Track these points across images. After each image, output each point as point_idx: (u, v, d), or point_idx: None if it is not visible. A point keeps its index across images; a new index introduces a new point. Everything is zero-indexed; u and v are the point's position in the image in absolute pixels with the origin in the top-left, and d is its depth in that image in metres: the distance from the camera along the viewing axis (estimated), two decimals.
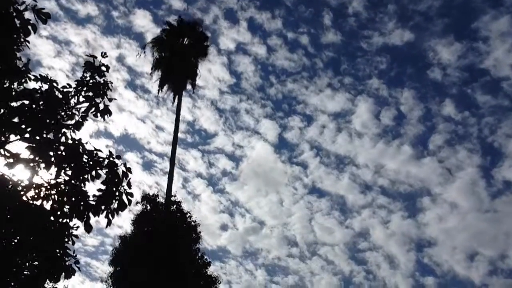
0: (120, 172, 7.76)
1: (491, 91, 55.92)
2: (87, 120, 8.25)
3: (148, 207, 23.38)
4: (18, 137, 7.45)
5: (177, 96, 28.68)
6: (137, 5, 58.88)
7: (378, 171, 56.69)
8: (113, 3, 58.22)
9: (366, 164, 57.44)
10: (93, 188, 7.77)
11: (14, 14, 7.14)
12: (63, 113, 7.93)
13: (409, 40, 58.59)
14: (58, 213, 7.58)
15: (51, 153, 7.50)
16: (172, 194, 24.51)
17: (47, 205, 7.64)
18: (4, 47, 7.33)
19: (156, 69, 29.61)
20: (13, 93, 7.62)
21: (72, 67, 52.61)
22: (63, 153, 7.63)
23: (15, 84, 7.74)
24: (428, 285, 49.86)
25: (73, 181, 7.69)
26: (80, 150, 7.70)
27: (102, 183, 7.74)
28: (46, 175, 7.63)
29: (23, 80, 7.81)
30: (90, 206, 7.58)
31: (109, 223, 7.57)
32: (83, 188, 7.71)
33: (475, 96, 56.33)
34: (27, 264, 7.76)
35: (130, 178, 7.80)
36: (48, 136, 7.62)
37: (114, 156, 7.81)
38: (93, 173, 7.75)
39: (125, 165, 7.79)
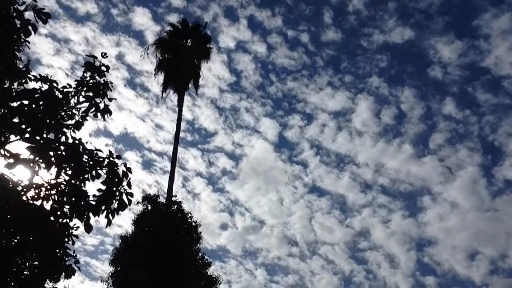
0: (120, 172, 7.76)
1: (492, 89, 55.89)
2: (87, 120, 8.25)
3: (149, 207, 23.39)
4: (18, 137, 7.46)
5: (179, 97, 28.71)
6: (136, 3, 58.90)
7: (378, 170, 56.68)
8: (112, 1, 58.09)
9: (366, 163, 57.42)
10: (93, 188, 7.78)
11: (15, 14, 7.15)
12: (63, 113, 7.93)
13: (409, 38, 58.53)
14: (58, 213, 7.58)
15: (51, 153, 7.49)
16: (173, 194, 24.53)
17: (47, 205, 7.63)
18: (4, 47, 7.34)
19: (159, 71, 29.67)
20: (13, 93, 7.62)
21: (72, 65, 52.60)
22: (63, 153, 7.62)
23: (15, 84, 7.75)
24: (428, 284, 49.83)
25: (73, 181, 7.69)
26: (80, 149, 7.70)
27: (102, 183, 7.74)
28: (46, 175, 7.64)
29: (23, 80, 7.81)
30: (90, 206, 7.58)
31: (109, 223, 7.57)
32: (83, 188, 7.71)
33: (475, 94, 56.20)
34: (27, 264, 7.76)
35: (130, 178, 7.80)
36: (48, 136, 7.62)
37: (114, 156, 7.81)
38: (93, 173, 7.75)
39: (125, 165, 7.79)
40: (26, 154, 7.41)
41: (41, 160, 7.43)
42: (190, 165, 58.59)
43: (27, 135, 7.42)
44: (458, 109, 57.16)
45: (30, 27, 7.38)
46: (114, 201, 7.66)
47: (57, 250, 7.76)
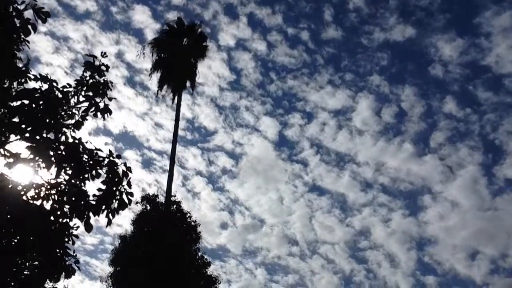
0: (120, 171, 7.76)
1: (493, 88, 55.62)
2: (87, 119, 8.24)
3: (148, 207, 23.39)
4: (18, 137, 7.45)
5: (176, 96, 28.73)
6: (136, 1, 58.77)
7: (378, 169, 56.64)
8: None
9: (366, 161, 57.39)
10: (93, 187, 7.77)
11: (14, 13, 7.14)
12: (63, 113, 7.92)
13: (410, 36, 58.40)
14: (58, 213, 7.58)
15: (51, 153, 7.49)
16: (172, 194, 24.52)
17: (47, 205, 7.63)
18: (4, 47, 7.33)
19: (155, 70, 29.67)
20: (13, 93, 7.62)
21: (71, 63, 52.37)
22: (63, 153, 7.62)
23: (15, 84, 7.74)
24: (429, 284, 49.78)
25: (73, 181, 7.69)
26: (80, 149, 7.70)
27: (102, 182, 7.74)
28: (46, 175, 7.64)
29: (23, 80, 7.80)
30: (90, 206, 7.57)
31: (109, 222, 7.56)
32: (83, 188, 7.71)
33: (476, 93, 56.07)
34: (27, 264, 7.75)
35: (130, 178, 7.80)
36: (48, 136, 7.61)
37: (114, 156, 7.80)
38: (93, 172, 7.74)
39: (125, 164, 7.79)
40: (26, 153, 7.41)
41: (41, 160, 7.42)
42: (190, 164, 58.54)
43: (27, 135, 7.41)
44: (459, 107, 57.09)
45: (29, 26, 7.37)
46: (114, 200, 7.66)
47: (57, 250, 7.76)
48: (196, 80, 29.83)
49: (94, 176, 7.74)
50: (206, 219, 53.53)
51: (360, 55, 60.92)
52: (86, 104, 8.22)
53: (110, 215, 7.60)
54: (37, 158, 7.40)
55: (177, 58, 28.88)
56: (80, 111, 8.21)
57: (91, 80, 8.27)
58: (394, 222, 54.94)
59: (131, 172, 7.74)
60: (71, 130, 7.99)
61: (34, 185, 7.56)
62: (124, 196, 7.68)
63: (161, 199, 24.09)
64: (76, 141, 7.73)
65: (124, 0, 56.75)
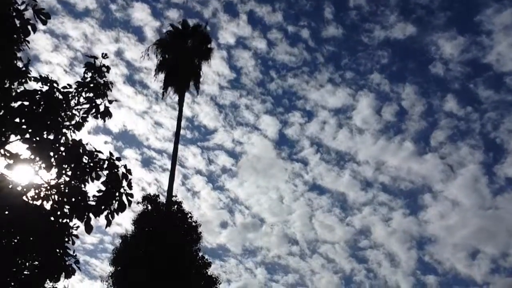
0: (120, 173, 7.77)
1: (493, 86, 55.42)
2: (87, 121, 8.26)
3: (149, 207, 23.42)
4: (18, 137, 7.47)
5: (179, 98, 28.74)
6: None
7: (379, 168, 56.54)
8: None
9: (367, 160, 57.27)
10: (93, 188, 7.79)
11: (14, 14, 7.15)
12: (63, 114, 7.94)
13: (411, 34, 58.27)
14: (58, 213, 7.59)
15: (51, 154, 7.51)
16: (173, 194, 24.54)
17: (47, 205, 7.65)
18: (4, 47, 7.34)
19: (159, 71, 29.71)
20: (13, 93, 7.64)
21: (71, 61, 52.34)
22: (63, 154, 7.64)
23: (15, 84, 7.76)
24: (429, 283, 49.66)
25: (73, 182, 7.70)
26: (81, 151, 7.71)
27: (102, 183, 7.75)
28: (46, 175, 7.65)
29: (23, 81, 7.82)
30: (90, 207, 7.59)
31: (109, 223, 7.57)
32: (83, 189, 7.73)
33: (477, 91, 55.96)
34: (27, 264, 7.77)
35: (130, 179, 7.81)
36: (49, 137, 7.63)
37: (114, 158, 7.82)
38: (93, 174, 7.76)
39: (125, 166, 7.79)
40: (26, 154, 7.43)
41: (41, 161, 7.44)
42: (189, 163, 58.50)
43: (27, 136, 7.43)
44: (460, 106, 56.95)
45: (29, 27, 7.37)
46: (114, 202, 7.66)
47: (57, 250, 7.77)
48: (200, 82, 29.89)
49: (94, 177, 7.75)
50: (206, 218, 53.55)
51: (360, 53, 60.89)
52: (87, 105, 8.24)
53: (110, 216, 7.61)
54: (37, 159, 7.42)
55: (181, 60, 28.91)
56: (81, 113, 8.23)
57: (92, 82, 8.29)
58: (395, 221, 54.90)
59: (131, 174, 7.75)
60: (71, 131, 8.01)
61: (34, 186, 7.58)
62: (124, 198, 7.68)
63: (162, 199, 24.14)
64: (77, 143, 7.74)
65: None
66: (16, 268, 7.60)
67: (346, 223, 55.95)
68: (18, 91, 7.69)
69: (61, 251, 7.80)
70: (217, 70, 55.35)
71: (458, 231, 54.46)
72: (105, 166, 7.74)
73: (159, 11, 59.16)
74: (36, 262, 7.82)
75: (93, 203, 7.63)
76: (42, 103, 7.59)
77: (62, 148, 7.66)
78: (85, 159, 7.70)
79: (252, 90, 59.88)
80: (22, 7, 7.26)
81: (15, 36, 7.36)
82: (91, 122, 8.10)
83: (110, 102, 8.36)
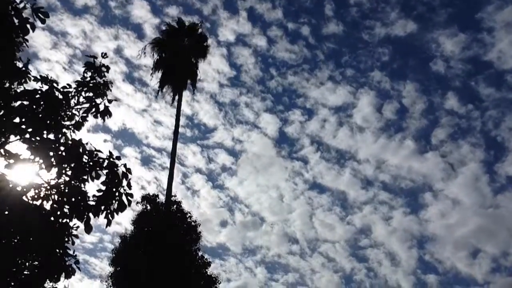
0: (120, 172, 7.76)
1: (495, 83, 55.32)
2: (87, 120, 8.26)
3: (148, 207, 23.42)
4: (18, 137, 7.46)
5: (177, 96, 28.76)
6: None
7: (379, 166, 56.46)
8: None
9: (367, 159, 57.19)
10: (93, 188, 7.78)
11: (13, 13, 7.13)
12: (63, 114, 7.94)
13: (412, 31, 58.05)
14: (58, 213, 7.59)
15: (51, 154, 7.51)
16: (172, 194, 24.54)
17: (47, 205, 7.64)
18: (4, 47, 7.33)
19: (156, 70, 29.71)
20: (13, 93, 7.63)
21: (70, 59, 52.04)
22: (63, 154, 7.64)
23: (15, 84, 7.75)
24: (430, 282, 49.56)
25: (73, 182, 7.70)
26: (80, 150, 7.71)
27: (102, 183, 7.74)
28: (46, 175, 7.65)
29: (23, 80, 7.81)
30: (90, 207, 7.58)
31: (108, 223, 7.57)
32: (83, 189, 7.72)
33: (478, 89, 55.75)
34: (27, 264, 7.77)
35: (130, 179, 7.81)
36: (48, 137, 7.63)
37: (114, 157, 7.81)
38: (93, 173, 7.75)
39: (125, 165, 7.79)
40: (26, 154, 7.43)
41: (41, 161, 7.44)
42: (189, 162, 58.38)
43: (27, 136, 7.43)
44: (461, 103, 56.83)
45: (28, 26, 7.35)
46: (114, 201, 7.66)
47: (57, 250, 7.77)
48: (197, 80, 29.91)
49: (94, 177, 7.75)
50: (206, 217, 53.49)
51: (361, 51, 60.77)
52: (87, 105, 8.24)
53: (109, 216, 7.61)
54: (37, 159, 7.42)
55: (178, 58, 28.92)
56: (81, 112, 8.23)
57: (91, 81, 8.29)
58: (395, 220, 54.85)
59: (130, 173, 7.75)
60: (71, 131, 8.01)
61: (34, 186, 7.57)
62: (124, 197, 7.68)
63: (161, 198, 24.14)
64: (76, 142, 7.74)
65: None
66: (16, 268, 7.60)
67: (347, 222, 55.95)
68: (18, 91, 7.69)
69: (61, 251, 7.80)
70: (216, 67, 55.22)
71: (458, 230, 54.47)
72: (104, 165, 7.73)
73: (158, 8, 58.97)
74: (36, 262, 7.82)
75: (93, 203, 7.62)
76: (42, 103, 7.59)
77: (62, 148, 7.66)
78: (85, 158, 7.70)
79: (252, 88, 59.84)
80: (21, 6, 7.24)
81: (14, 35, 7.34)
82: (91, 121, 8.14)
83: (110, 101, 8.36)
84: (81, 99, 8.25)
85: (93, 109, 8.25)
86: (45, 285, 7.93)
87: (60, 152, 7.62)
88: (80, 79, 8.27)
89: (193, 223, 23.48)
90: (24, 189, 7.48)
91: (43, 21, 7.32)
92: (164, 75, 29.40)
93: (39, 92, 7.67)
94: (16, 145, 7.49)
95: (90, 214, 7.58)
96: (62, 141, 7.76)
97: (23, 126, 7.42)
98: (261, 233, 56.03)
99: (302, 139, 59.11)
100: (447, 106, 56.16)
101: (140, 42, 57.32)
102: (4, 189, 7.23)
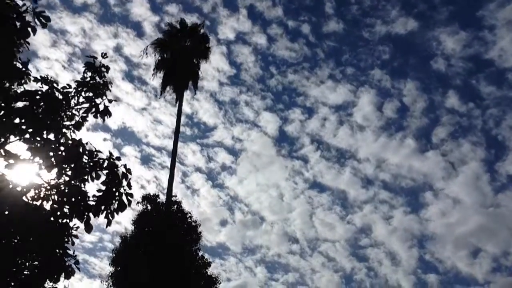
0: (120, 173, 7.78)
1: (496, 82, 55.25)
2: (87, 120, 8.27)
3: (149, 207, 23.44)
4: (18, 137, 7.48)
5: (178, 97, 28.75)
6: None
7: (380, 165, 56.46)
8: None
9: (367, 158, 57.20)
10: (93, 188, 7.79)
11: (15, 15, 7.16)
12: (63, 114, 7.95)
13: (412, 29, 58.03)
14: (58, 213, 7.60)
15: (51, 154, 7.52)
16: (173, 194, 24.55)
17: (47, 205, 7.66)
18: (4, 49, 7.35)
19: (158, 71, 29.73)
20: (13, 94, 7.64)
21: (69, 57, 52.03)
22: (63, 154, 7.65)
23: (15, 84, 7.77)
24: (430, 282, 49.58)
25: (73, 182, 7.71)
26: (80, 150, 7.72)
27: (102, 183, 7.76)
28: (46, 175, 7.66)
29: (23, 81, 7.83)
30: (90, 207, 7.60)
31: (108, 223, 7.58)
32: (83, 189, 7.73)
33: (479, 87, 55.73)
34: (27, 264, 7.78)
35: (130, 179, 7.82)
36: (48, 137, 7.64)
37: (114, 157, 7.83)
38: (93, 173, 7.76)
39: (125, 166, 7.81)
40: (26, 154, 7.44)
41: (41, 161, 7.45)
42: (189, 160, 58.35)
43: (27, 136, 7.44)
44: (462, 102, 56.86)
45: (29, 29, 7.38)
46: (114, 201, 7.67)
47: (57, 250, 7.78)
48: (198, 81, 29.91)
49: (94, 177, 7.76)
50: (206, 216, 53.49)
51: (361, 49, 60.78)
52: (86, 105, 8.25)
53: (109, 216, 7.62)
54: (37, 159, 7.43)
55: (179, 59, 28.93)
56: (80, 112, 8.24)
57: (91, 81, 8.30)
58: (395, 219, 54.84)
59: (130, 173, 7.76)
60: (71, 131, 8.02)
61: (34, 186, 7.59)
62: (124, 197, 7.69)
63: (161, 197, 24.16)
64: (76, 142, 7.75)
65: None
66: (16, 268, 7.60)
67: (347, 221, 55.94)
68: (18, 91, 7.70)
69: (61, 251, 7.80)
70: (216, 66, 55.19)
71: (459, 229, 54.43)
72: (105, 165, 7.75)
73: (158, 5, 58.96)
74: (36, 262, 7.83)
75: (93, 203, 7.64)
76: (42, 103, 7.60)
77: (62, 148, 7.67)
78: (85, 158, 7.71)
79: (252, 86, 59.82)
80: (22, 9, 7.26)
81: (15, 37, 7.35)
82: (90, 120, 8.12)
83: (110, 101, 8.38)
84: (81, 99, 8.27)
85: (93, 109, 8.26)
86: (45, 285, 7.94)
87: (60, 152, 7.63)
88: (80, 79, 8.29)
89: (193, 223, 23.49)
90: (24, 189, 7.49)
91: (44, 25, 7.34)
92: (166, 75, 29.41)
93: (39, 92, 7.68)
94: (16, 145, 7.51)
95: (90, 214, 7.60)
96: (62, 141, 7.78)
97: (23, 127, 7.43)
98: (261, 232, 56.07)
99: (302, 138, 59.15)
100: (447, 105, 56.18)
101: (139, 40, 57.26)
102: (4, 189, 7.25)
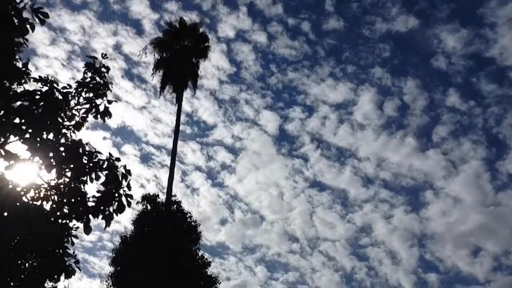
0: (119, 173, 7.77)
1: (497, 80, 55.14)
2: (87, 121, 8.27)
3: (149, 207, 23.45)
4: (18, 137, 7.47)
5: (178, 96, 28.75)
6: None
7: (380, 164, 56.40)
8: None
9: (368, 157, 57.14)
10: (93, 189, 7.79)
11: (13, 13, 7.13)
12: (63, 114, 7.95)
13: (413, 26, 57.79)
14: (58, 213, 7.60)
15: (51, 154, 7.51)
16: (172, 193, 24.56)
17: (47, 206, 7.66)
18: (4, 48, 7.34)
19: (157, 70, 29.74)
20: (13, 93, 7.64)
21: (68, 55, 51.85)
22: (63, 154, 7.65)
23: (15, 84, 7.76)
24: (431, 281, 49.52)
25: (73, 182, 7.71)
26: (80, 151, 7.72)
27: (102, 184, 7.75)
28: (46, 176, 7.66)
29: (23, 81, 7.82)
30: (90, 208, 7.59)
31: (107, 224, 7.58)
32: (82, 190, 7.73)
33: (480, 85, 55.56)
34: (27, 264, 7.79)
35: (129, 180, 7.82)
36: (49, 137, 7.63)
37: (114, 158, 7.83)
38: (93, 174, 7.76)
39: (124, 167, 7.80)
40: (26, 154, 7.44)
41: (41, 161, 7.45)
42: (188, 159, 58.30)
43: (27, 136, 7.44)
44: (462, 100, 56.66)
45: (28, 26, 7.36)
46: (113, 202, 7.67)
47: (57, 250, 7.78)
48: (198, 81, 29.91)
49: (94, 178, 7.76)
50: (205, 215, 53.47)
51: (361, 47, 60.64)
52: (87, 105, 8.25)
53: (108, 217, 7.61)
54: (37, 159, 7.43)
55: (178, 59, 28.94)
56: (81, 113, 8.24)
57: (91, 82, 8.30)
58: (396, 218, 54.79)
59: (130, 174, 7.76)
60: (71, 132, 8.01)
61: (34, 186, 7.59)
62: (123, 199, 7.69)
63: (161, 196, 24.17)
64: (76, 143, 7.75)
65: None
66: (16, 268, 7.61)
67: (347, 220, 55.92)
68: (18, 91, 7.70)
69: (61, 251, 7.81)
70: (216, 64, 55.04)
71: (459, 228, 54.35)
72: (104, 166, 7.74)
73: (157, 3, 58.78)
74: (36, 262, 7.83)
75: (93, 203, 7.63)
76: (42, 103, 7.59)
77: (62, 149, 7.66)
78: (85, 159, 7.71)
79: (252, 84, 59.74)
80: (20, 6, 7.24)
81: (14, 35, 7.34)
82: (90, 119, 8.10)
83: (110, 102, 8.37)
84: (81, 100, 8.26)
85: (93, 110, 8.26)
86: (45, 285, 7.95)
87: (60, 153, 7.62)
88: (80, 80, 8.28)
89: (193, 223, 23.51)
90: (24, 190, 7.49)
91: (42, 22, 7.32)
92: (165, 75, 29.43)
93: (39, 92, 7.68)
94: (16, 145, 7.50)
95: (90, 215, 7.59)
96: (62, 141, 7.77)
97: (23, 127, 7.42)
98: (261, 231, 56.07)
99: (302, 137, 59.11)
100: (448, 103, 56.09)
101: (139, 38, 57.04)
102: (4, 190, 7.25)
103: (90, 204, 7.61)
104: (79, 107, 8.23)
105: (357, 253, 53.80)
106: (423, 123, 56.98)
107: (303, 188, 57.77)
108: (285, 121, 60.33)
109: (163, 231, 21.71)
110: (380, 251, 51.76)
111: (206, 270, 22.61)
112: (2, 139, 7.40)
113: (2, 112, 7.45)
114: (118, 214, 7.61)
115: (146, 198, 23.71)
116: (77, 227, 7.82)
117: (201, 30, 30.36)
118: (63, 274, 7.81)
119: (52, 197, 7.64)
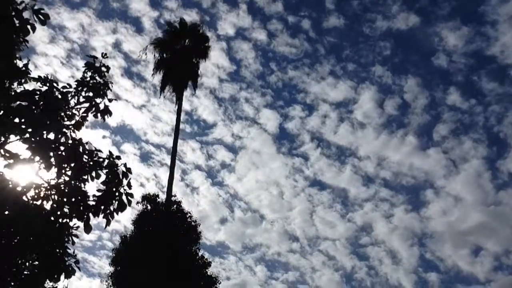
0: (120, 172, 7.77)
1: (498, 78, 54.91)
2: (87, 120, 8.26)
3: (149, 207, 23.45)
4: (18, 137, 7.46)
5: (178, 97, 28.75)
6: None
7: (380, 163, 56.35)
8: None
9: (368, 155, 57.08)
10: (93, 188, 7.78)
11: (13, 13, 7.13)
12: (63, 114, 7.94)
13: (414, 24, 57.57)
14: (58, 213, 7.60)
15: (51, 154, 7.51)
16: (172, 193, 24.55)
17: (47, 205, 7.65)
18: (4, 48, 7.34)
19: (157, 70, 29.74)
20: (13, 93, 7.63)
21: (67, 53, 51.71)
22: (63, 154, 7.64)
23: (15, 84, 7.75)
24: (431, 281, 49.48)
25: (73, 182, 7.70)
26: (80, 150, 7.71)
27: (102, 183, 7.75)
28: (46, 175, 7.66)
29: (23, 81, 7.81)
30: (90, 207, 7.59)
31: (108, 223, 7.57)
32: (83, 189, 7.72)
33: (481, 83, 55.39)
34: (27, 264, 7.78)
35: (130, 178, 7.81)
36: (49, 137, 7.62)
37: (114, 157, 7.82)
38: (93, 173, 7.75)
39: (125, 165, 7.80)
40: (26, 154, 7.43)
41: (41, 161, 7.44)
42: (188, 158, 58.22)
43: (27, 135, 7.43)
44: (463, 98, 56.57)
45: (28, 27, 7.36)
46: (114, 201, 7.66)
47: (57, 250, 7.78)
48: (198, 81, 29.91)
49: (94, 177, 7.75)
50: (205, 214, 53.42)
51: (362, 45, 60.51)
52: (86, 104, 8.24)
53: (109, 216, 7.61)
54: (37, 158, 7.42)
55: (179, 59, 28.95)
56: (80, 112, 8.23)
57: (91, 81, 8.29)
58: (396, 217, 54.75)
59: (131, 173, 7.75)
60: (71, 131, 8.00)
61: (34, 186, 7.58)
62: (124, 197, 7.68)
63: (161, 196, 24.17)
64: (76, 142, 7.74)
65: None
66: (16, 268, 7.60)
67: (347, 219, 55.87)
68: (18, 91, 7.69)
69: (61, 251, 7.80)
70: (216, 62, 54.88)
71: (460, 227, 54.30)
72: (104, 165, 7.74)
73: (157, 1, 58.71)
74: (36, 262, 7.83)
75: (93, 202, 7.62)
76: (42, 103, 7.58)
77: (62, 148, 7.65)
78: (85, 158, 7.70)
79: (252, 83, 59.64)
80: (21, 7, 7.24)
81: (14, 36, 7.34)
82: (89, 117, 8.09)
83: (110, 101, 8.37)
84: (81, 99, 8.25)
85: (93, 109, 8.25)
86: (45, 285, 7.94)
87: (60, 152, 7.61)
88: (80, 79, 8.27)
89: (193, 223, 23.51)
90: (24, 189, 7.48)
91: (43, 23, 7.32)
92: (165, 75, 29.43)
93: (39, 92, 7.66)
94: (16, 145, 7.49)
95: (90, 214, 7.58)
96: (62, 141, 7.76)
97: (23, 126, 7.41)
98: (261, 230, 56.04)
99: (302, 135, 59.06)
100: (449, 102, 56.02)
101: (138, 36, 56.80)
102: (4, 189, 7.24)
103: (91, 203, 7.60)
104: (79, 106, 8.23)
105: (357, 252, 53.82)
106: (423, 122, 56.97)
107: (303, 187, 57.77)
108: (285, 119, 60.32)
109: (163, 231, 21.70)
110: (380, 250, 51.79)
111: (206, 270, 22.61)
112: (2, 139, 7.39)
113: (2, 112, 7.43)
114: (119, 213, 7.60)
115: (146, 198, 23.72)
116: (78, 227, 7.81)
117: (201, 30, 30.39)
118: (63, 273, 7.80)
119: (52, 196, 7.63)
